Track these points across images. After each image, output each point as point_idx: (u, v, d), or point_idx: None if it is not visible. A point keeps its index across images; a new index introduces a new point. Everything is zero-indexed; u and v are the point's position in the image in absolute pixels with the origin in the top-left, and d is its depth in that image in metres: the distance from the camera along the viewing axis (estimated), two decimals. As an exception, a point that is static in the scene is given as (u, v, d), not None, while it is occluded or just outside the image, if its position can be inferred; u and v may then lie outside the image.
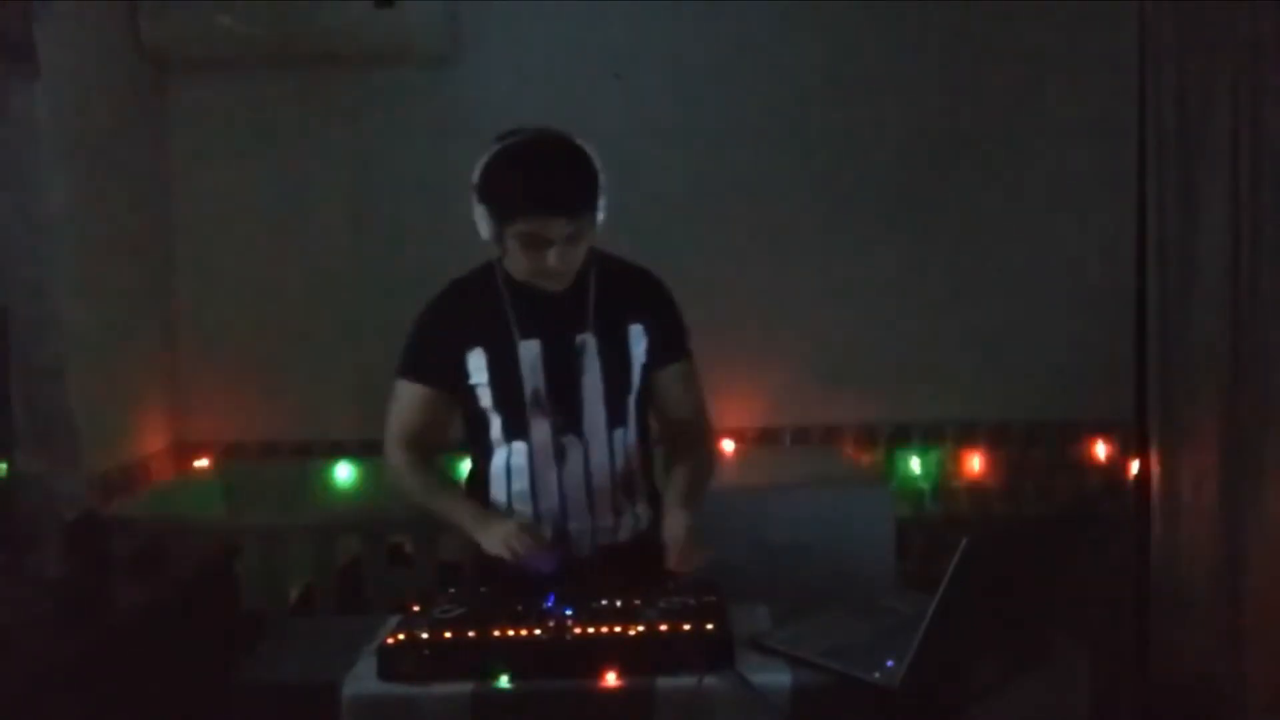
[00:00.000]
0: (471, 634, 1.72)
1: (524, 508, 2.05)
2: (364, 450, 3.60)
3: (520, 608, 1.80)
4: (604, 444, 2.04)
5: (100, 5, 3.22)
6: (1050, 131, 3.55)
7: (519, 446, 2.04)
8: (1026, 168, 3.58)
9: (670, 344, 2.10)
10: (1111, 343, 2.98)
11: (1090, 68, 3.46)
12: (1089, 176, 3.50)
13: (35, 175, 2.46)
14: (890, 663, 1.64)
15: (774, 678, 1.68)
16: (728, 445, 3.57)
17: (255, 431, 3.65)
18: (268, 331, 3.63)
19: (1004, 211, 3.60)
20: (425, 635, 1.71)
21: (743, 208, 3.59)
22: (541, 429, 2.02)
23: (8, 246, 2.41)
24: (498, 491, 2.08)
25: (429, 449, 2.12)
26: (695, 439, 2.15)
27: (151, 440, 3.49)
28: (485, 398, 2.03)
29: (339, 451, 3.61)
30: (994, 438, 3.67)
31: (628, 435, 2.08)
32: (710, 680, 1.66)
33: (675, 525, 1.95)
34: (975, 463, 3.67)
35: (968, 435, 3.67)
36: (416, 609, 1.83)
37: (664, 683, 1.66)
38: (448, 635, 1.72)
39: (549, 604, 1.81)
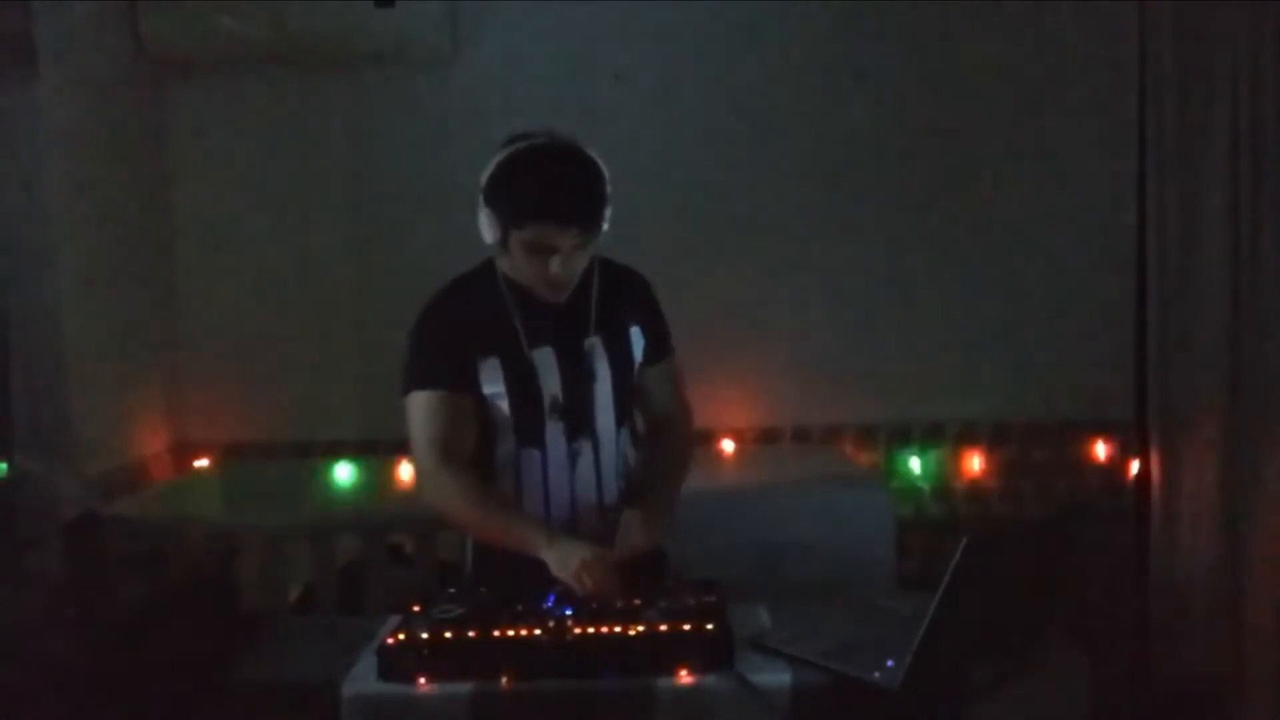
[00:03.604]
0: (471, 634, 1.71)
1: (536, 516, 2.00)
2: (364, 450, 3.60)
3: (520, 608, 1.79)
4: (613, 445, 2.05)
5: (100, 5, 3.22)
6: (1050, 131, 3.55)
7: (532, 455, 2.01)
8: (1025, 167, 3.57)
9: (659, 343, 2.12)
10: (1111, 343, 2.98)
11: (1090, 67, 3.46)
12: (1089, 176, 3.50)
13: (35, 175, 2.46)
14: (890, 663, 1.64)
15: (774, 678, 1.68)
16: (728, 445, 3.57)
17: (255, 431, 3.65)
18: (268, 331, 3.63)
19: (1004, 211, 3.59)
20: (425, 635, 1.71)
21: (743, 207, 3.59)
22: (556, 435, 2.01)
23: (8, 246, 2.42)
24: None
25: (465, 460, 1.98)
26: (677, 435, 2.14)
27: (151, 440, 3.48)
28: (502, 408, 1.99)
29: (339, 451, 3.61)
30: (994, 438, 3.67)
31: (627, 434, 2.10)
32: (710, 680, 1.66)
33: (636, 524, 1.92)
34: (975, 463, 3.66)
35: (968, 435, 3.67)
36: (416, 609, 1.83)
37: (664, 683, 1.66)
38: (448, 635, 1.71)
39: (549, 604, 1.81)
